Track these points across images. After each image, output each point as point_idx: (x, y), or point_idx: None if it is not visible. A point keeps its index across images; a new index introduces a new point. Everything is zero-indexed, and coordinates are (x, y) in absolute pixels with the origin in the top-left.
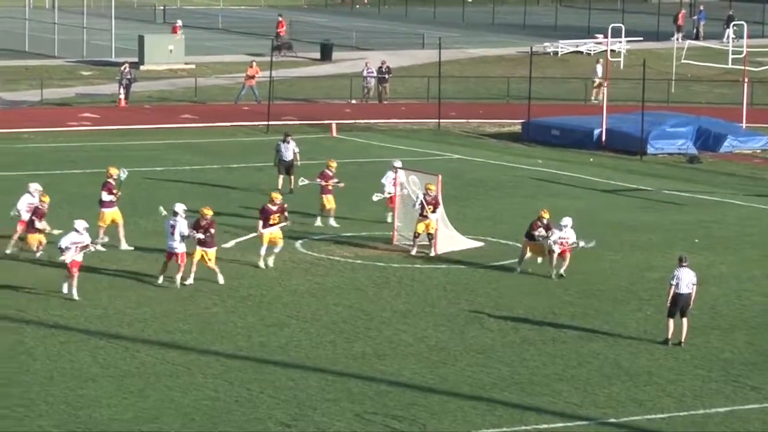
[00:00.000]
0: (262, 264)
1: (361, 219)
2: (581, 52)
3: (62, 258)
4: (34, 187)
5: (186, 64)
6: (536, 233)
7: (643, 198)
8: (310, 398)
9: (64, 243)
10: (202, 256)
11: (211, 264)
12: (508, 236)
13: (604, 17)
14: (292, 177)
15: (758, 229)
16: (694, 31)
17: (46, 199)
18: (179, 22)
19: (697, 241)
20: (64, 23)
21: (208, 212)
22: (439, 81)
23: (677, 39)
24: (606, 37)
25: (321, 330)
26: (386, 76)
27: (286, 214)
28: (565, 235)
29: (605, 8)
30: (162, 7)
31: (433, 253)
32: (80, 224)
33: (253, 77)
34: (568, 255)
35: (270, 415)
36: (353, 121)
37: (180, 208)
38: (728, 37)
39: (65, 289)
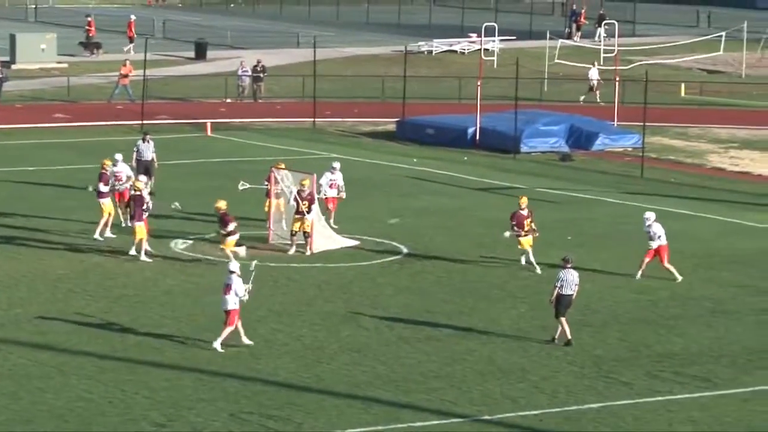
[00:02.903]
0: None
1: (239, 218)
2: (455, 51)
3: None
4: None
5: (58, 63)
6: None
7: (517, 196)
8: (185, 398)
9: (241, 292)
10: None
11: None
12: (383, 235)
13: (477, 16)
14: (153, 178)
15: (630, 227)
16: (566, 30)
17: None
18: (91, 17)
19: (569, 238)
20: None
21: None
22: (314, 80)
23: (576, 39)
24: (480, 36)
25: (196, 329)
26: (261, 75)
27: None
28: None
29: (479, 7)
30: (33, 6)
31: (309, 252)
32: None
33: (126, 76)
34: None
35: (145, 415)
36: (228, 120)
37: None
38: (599, 36)
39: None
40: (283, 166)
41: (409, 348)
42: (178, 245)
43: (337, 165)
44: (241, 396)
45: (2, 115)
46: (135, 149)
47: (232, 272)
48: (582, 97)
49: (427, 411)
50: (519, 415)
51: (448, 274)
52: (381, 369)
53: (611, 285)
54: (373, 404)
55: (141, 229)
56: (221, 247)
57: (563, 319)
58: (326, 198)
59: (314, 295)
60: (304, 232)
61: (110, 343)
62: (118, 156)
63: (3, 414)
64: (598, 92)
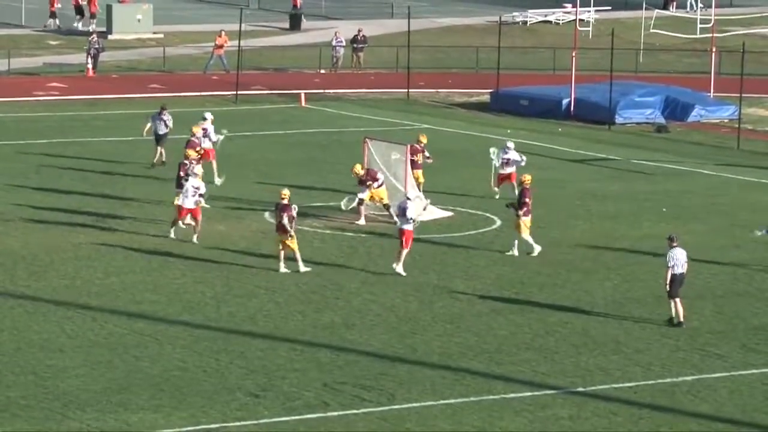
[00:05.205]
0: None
1: (330, 189)
2: (550, 22)
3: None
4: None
5: (154, 33)
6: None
7: (612, 168)
8: (278, 368)
9: (412, 214)
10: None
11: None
12: (477, 206)
13: None
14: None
15: (725, 199)
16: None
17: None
18: None
19: (665, 210)
20: None
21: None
22: (408, 50)
23: (672, 9)
24: (575, 6)
25: (289, 300)
26: (360, 45)
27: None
28: None
29: None
30: None
31: (362, 222)
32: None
33: (221, 47)
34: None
35: (239, 385)
36: (322, 91)
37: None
38: (690, 5)
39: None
40: (424, 140)
41: (502, 319)
42: (271, 216)
43: (511, 145)
44: (335, 366)
45: (99, 85)
46: (150, 121)
47: (408, 199)
48: None
49: (519, 382)
50: (613, 387)
51: (541, 245)
52: (474, 340)
53: (706, 257)
54: (466, 375)
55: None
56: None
57: (678, 300)
58: (501, 175)
59: (407, 266)
60: (384, 205)
61: (204, 313)
62: (208, 115)
63: (99, 382)
64: None
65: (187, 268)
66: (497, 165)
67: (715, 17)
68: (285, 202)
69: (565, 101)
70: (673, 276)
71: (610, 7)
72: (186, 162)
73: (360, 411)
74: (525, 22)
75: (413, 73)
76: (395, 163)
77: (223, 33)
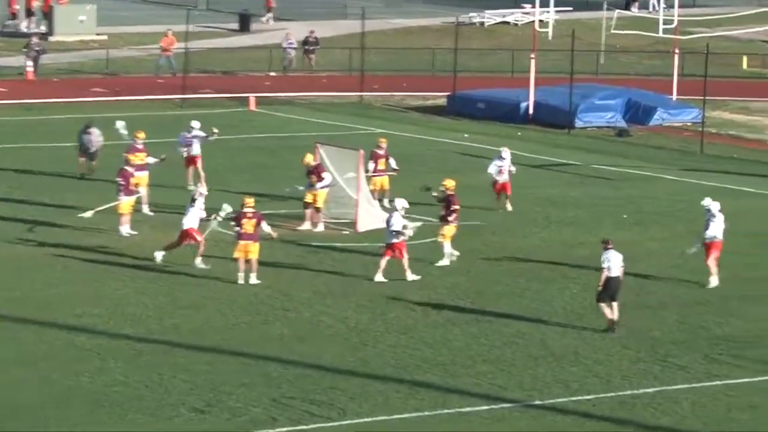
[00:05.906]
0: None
1: (280, 197)
2: (508, 23)
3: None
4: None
5: (98, 35)
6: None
7: (571, 173)
8: (225, 383)
9: (398, 226)
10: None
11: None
12: (432, 214)
13: None
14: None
15: (688, 204)
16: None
17: None
18: None
19: (626, 216)
20: None
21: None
22: (362, 52)
23: (634, 9)
24: (534, 6)
25: (237, 311)
26: (312, 47)
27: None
28: None
29: None
30: None
31: (320, 228)
32: (400, 203)
33: (167, 49)
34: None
35: (183, 400)
36: (273, 95)
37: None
38: (653, 5)
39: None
40: (384, 143)
41: (457, 330)
42: (218, 225)
43: (506, 154)
44: (284, 380)
45: (39, 89)
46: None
47: (395, 209)
48: None
49: (475, 396)
50: (571, 400)
51: (499, 253)
52: (428, 352)
53: (669, 265)
54: (420, 389)
55: (125, 204)
56: None
57: (615, 304)
58: (497, 183)
59: (360, 275)
60: (316, 208)
61: (147, 326)
62: (195, 123)
63: (37, 396)
64: None
65: (129, 279)
66: (493, 174)
67: (678, 18)
68: (252, 210)
69: (523, 104)
70: (609, 278)
71: (571, 8)
72: (127, 168)
73: (310, 426)
74: (482, 23)
75: (367, 75)
76: (349, 181)
77: (169, 33)
